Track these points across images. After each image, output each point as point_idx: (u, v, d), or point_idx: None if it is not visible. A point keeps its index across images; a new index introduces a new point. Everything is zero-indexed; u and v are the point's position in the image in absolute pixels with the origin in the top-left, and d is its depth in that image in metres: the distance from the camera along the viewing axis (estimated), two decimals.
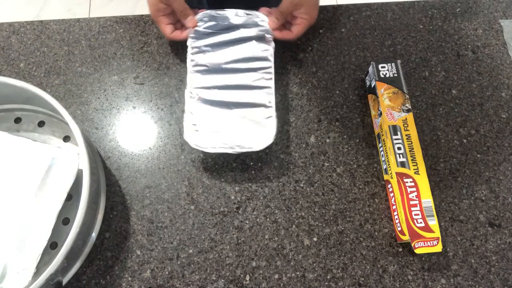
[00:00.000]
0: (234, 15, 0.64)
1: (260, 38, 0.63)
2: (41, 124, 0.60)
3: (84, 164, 0.49)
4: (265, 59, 0.62)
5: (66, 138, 0.59)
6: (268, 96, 0.59)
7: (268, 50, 0.62)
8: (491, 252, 0.56)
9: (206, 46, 0.62)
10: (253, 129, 0.58)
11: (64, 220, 0.54)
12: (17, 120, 0.60)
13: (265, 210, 0.58)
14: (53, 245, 0.53)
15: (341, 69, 0.67)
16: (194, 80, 0.60)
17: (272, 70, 0.61)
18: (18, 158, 0.53)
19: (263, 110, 0.59)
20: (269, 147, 0.61)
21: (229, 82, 0.60)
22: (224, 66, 0.61)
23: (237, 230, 0.57)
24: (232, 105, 0.59)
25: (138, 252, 0.55)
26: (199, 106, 0.59)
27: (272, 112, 0.58)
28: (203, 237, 0.56)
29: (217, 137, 0.57)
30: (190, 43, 0.62)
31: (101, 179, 0.58)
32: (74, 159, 0.53)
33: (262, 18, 0.64)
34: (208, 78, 0.60)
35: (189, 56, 0.62)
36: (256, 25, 0.63)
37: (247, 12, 0.64)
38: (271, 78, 0.60)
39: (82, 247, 0.53)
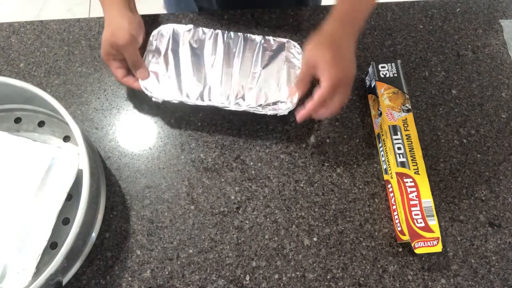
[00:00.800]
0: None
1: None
2: (41, 124, 0.60)
3: (84, 164, 0.49)
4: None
5: (66, 138, 0.59)
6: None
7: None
8: (491, 252, 0.56)
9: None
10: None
11: (64, 220, 0.54)
12: (17, 120, 0.60)
13: (265, 210, 0.58)
14: (53, 245, 0.53)
15: None
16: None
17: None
18: (18, 158, 0.53)
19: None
20: (269, 147, 0.61)
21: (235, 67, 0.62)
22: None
23: (237, 230, 0.57)
24: (259, 66, 0.62)
25: (138, 252, 0.55)
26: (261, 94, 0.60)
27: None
28: (203, 237, 0.56)
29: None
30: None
31: (101, 179, 0.58)
32: (74, 159, 0.53)
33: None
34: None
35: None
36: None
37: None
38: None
39: (82, 247, 0.53)
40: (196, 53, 0.62)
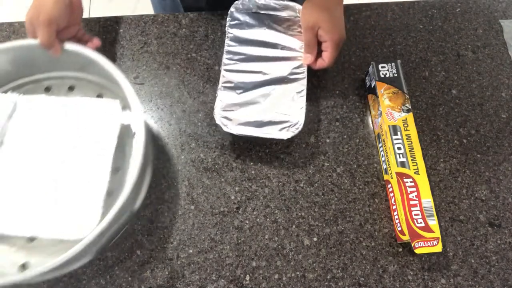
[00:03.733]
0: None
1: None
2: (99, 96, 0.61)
3: (140, 133, 0.51)
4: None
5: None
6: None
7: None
8: (491, 252, 0.56)
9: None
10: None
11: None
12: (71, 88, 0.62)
13: (265, 210, 0.58)
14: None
15: (341, 69, 0.67)
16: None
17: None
18: (78, 116, 0.56)
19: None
20: (269, 147, 0.61)
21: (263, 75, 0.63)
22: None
23: (237, 230, 0.57)
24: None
25: (138, 252, 0.55)
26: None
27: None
28: (203, 237, 0.56)
29: None
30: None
31: None
32: (115, 108, 0.57)
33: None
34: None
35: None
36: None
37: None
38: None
39: None
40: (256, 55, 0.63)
